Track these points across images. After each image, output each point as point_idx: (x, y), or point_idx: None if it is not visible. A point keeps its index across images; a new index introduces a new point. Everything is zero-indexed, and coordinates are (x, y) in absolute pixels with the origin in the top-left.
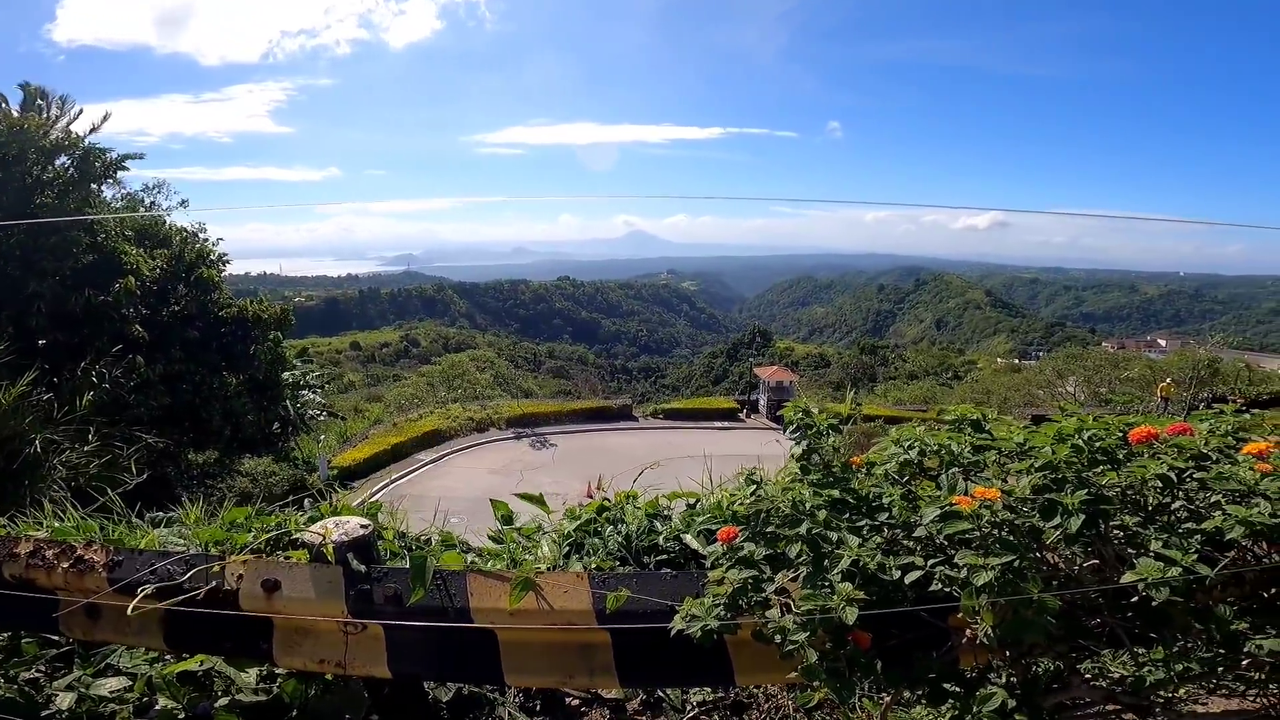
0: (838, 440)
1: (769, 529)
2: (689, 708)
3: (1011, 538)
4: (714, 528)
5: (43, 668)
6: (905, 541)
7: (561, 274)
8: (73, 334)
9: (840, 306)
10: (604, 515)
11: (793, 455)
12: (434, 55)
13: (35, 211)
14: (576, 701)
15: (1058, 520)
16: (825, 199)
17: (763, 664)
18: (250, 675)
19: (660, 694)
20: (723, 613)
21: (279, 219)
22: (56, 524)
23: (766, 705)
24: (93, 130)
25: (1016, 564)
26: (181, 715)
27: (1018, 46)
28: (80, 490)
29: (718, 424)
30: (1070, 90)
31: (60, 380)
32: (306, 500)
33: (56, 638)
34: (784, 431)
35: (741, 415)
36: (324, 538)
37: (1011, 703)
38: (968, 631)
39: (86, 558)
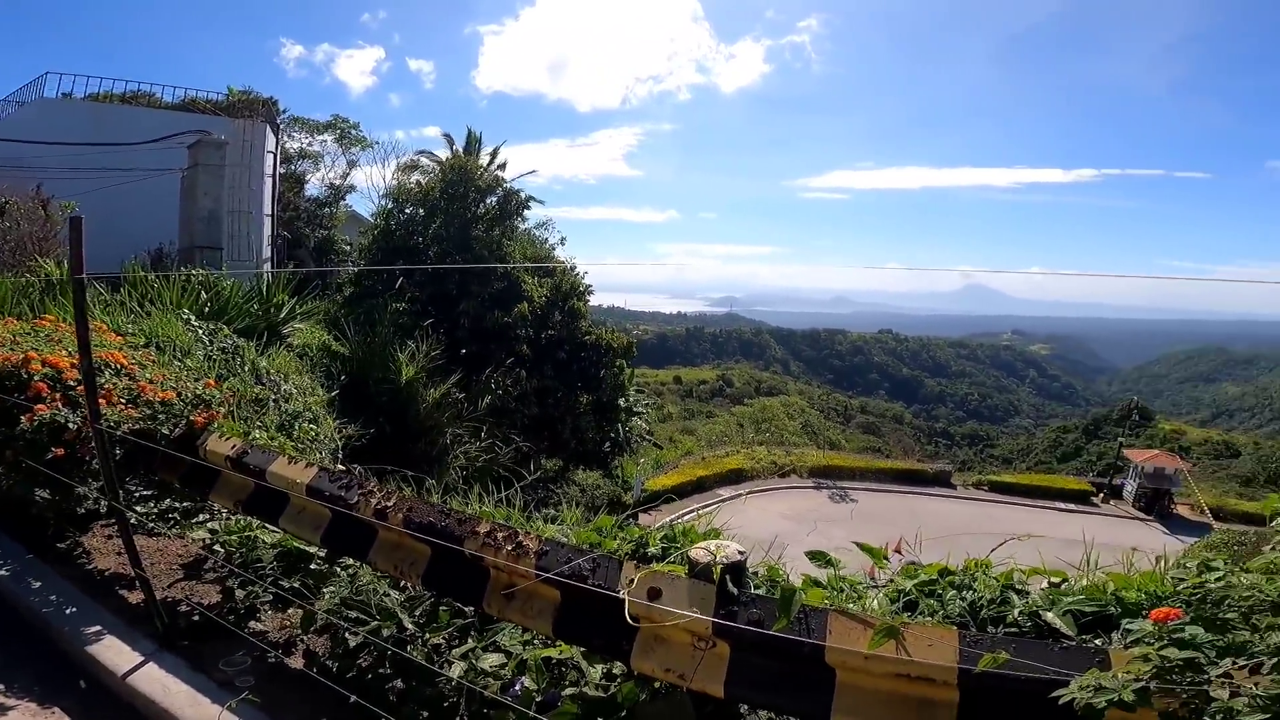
0: None
1: (1224, 615)
2: None
3: None
4: (1087, 610)
5: (445, 636)
6: None
7: (883, 326)
8: (483, 347)
9: (1265, 386)
10: (947, 579)
11: (1202, 549)
12: (762, 99)
13: (471, 242)
14: None
15: None
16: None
17: None
18: (597, 671)
19: None
20: (1139, 687)
21: (625, 255)
22: (482, 507)
23: None
24: (518, 177)
25: None
26: (537, 698)
27: None
28: (467, 478)
29: (1060, 505)
30: None
31: (470, 385)
32: (631, 515)
33: (467, 609)
34: (1155, 520)
35: (1095, 499)
36: (714, 557)
37: None
38: None
39: (525, 544)
